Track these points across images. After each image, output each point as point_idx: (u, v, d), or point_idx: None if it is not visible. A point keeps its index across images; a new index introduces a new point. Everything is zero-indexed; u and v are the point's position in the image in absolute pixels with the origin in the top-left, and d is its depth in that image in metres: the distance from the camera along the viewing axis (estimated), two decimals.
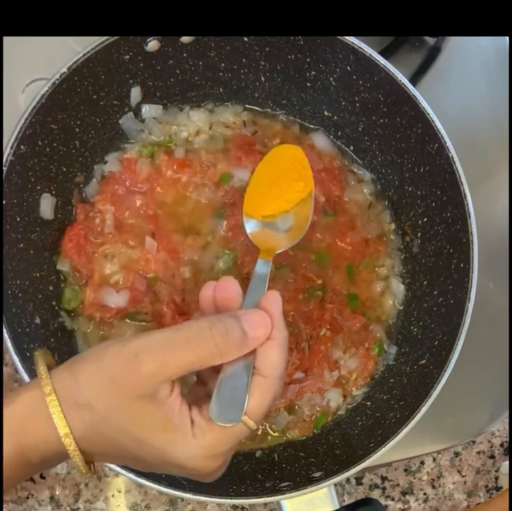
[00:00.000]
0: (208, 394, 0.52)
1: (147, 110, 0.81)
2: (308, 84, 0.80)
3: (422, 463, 0.91)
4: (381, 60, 0.72)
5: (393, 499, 0.90)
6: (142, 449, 0.48)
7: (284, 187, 0.75)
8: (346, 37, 0.71)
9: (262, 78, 0.81)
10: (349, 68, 0.75)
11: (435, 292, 0.77)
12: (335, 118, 0.83)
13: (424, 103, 0.71)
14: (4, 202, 0.67)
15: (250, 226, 0.73)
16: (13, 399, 0.49)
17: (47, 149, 0.72)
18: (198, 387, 0.54)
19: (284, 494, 0.66)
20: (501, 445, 0.92)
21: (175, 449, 0.47)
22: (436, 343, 0.73)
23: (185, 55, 0.77)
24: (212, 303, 0.54)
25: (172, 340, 0.48)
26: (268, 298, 0.53)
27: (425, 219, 0.79)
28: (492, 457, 0.92)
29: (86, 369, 0.49)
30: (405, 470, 0.90)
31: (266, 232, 0.72)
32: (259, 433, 0.78)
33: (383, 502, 0.89)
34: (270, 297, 0.53)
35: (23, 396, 0.49)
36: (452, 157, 0.71)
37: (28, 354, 0.66)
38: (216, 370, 0.51)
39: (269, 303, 0.53)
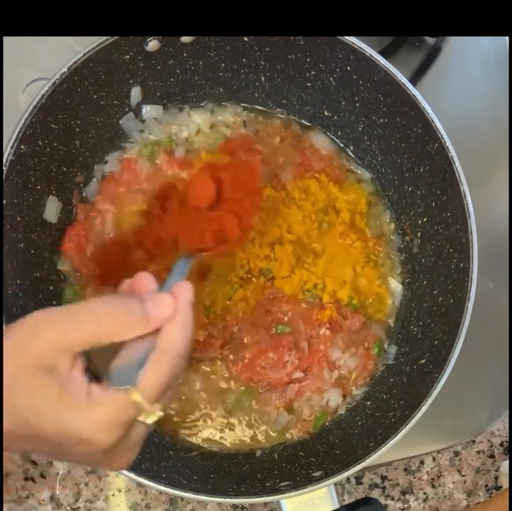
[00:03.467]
0: None
1: (147, 110, 0.81)
2: (308, 84, 0.80)
3: (422, 462, 0.91)
4: (381, 60, 0.72)
5: (393, 499, 0.90)
6: (40, 424, 0.47)
7: None
8: (346, 37, 0.71)
9: (262, 78, 0.81)
10: (349, 68, 0.75)
11: (435, 292, 0.77)
12: (335, 117, 0.83)
13: (424, 103, 0.71)
14: (4, 202, 0.67)
15: None
16: None
17: (48, 149, 0.72)
18: None
19: (283, 493, 0.66)
20: (501, 444, 0.93)
21: (69, 417, 0.47)
22: (436, 342, 0.73)
23: (185, 54, 0.77)
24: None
25: (73, 313, 0.48)
26: (179, 286, 0.54)
27: (425, 219, 0.79)
28: (492, 456, 0.92)
29: None
30: (405, 469, 0.90)
31: None
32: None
33: (383, 501, 0.89)
34: (181, 286, 0.54)
35: None
36: (452, 157, 0.71)
37: None
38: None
39: (178, 290, 0.53)
